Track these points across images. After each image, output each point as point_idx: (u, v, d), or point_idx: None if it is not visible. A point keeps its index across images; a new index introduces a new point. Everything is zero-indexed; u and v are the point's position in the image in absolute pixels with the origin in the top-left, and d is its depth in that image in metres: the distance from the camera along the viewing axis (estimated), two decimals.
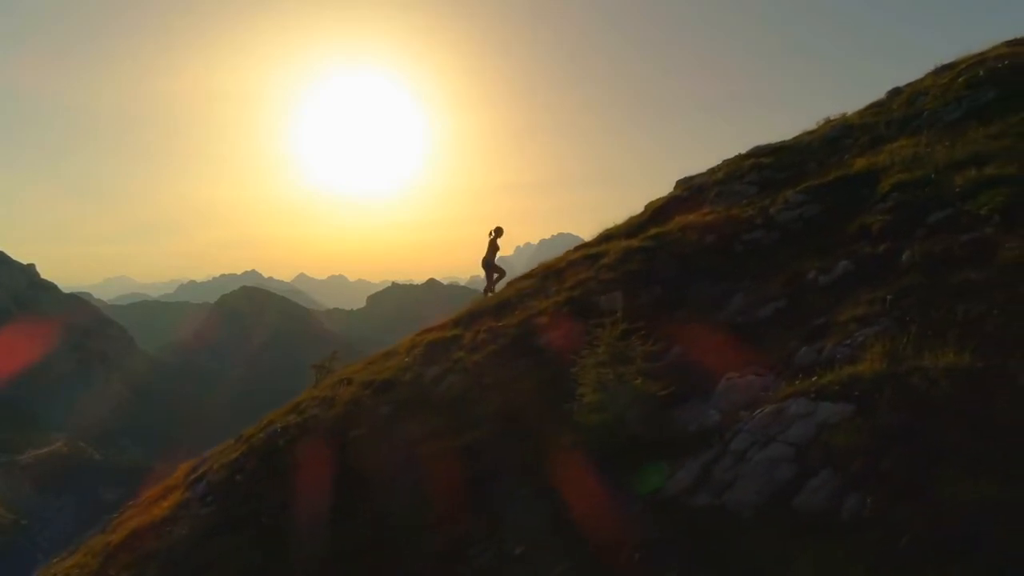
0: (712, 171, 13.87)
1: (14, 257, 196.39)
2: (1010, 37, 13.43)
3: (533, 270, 13.05)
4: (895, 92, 13.51)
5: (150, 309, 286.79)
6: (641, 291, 9.47)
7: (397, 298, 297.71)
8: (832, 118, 14.67)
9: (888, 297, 6.30)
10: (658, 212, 13.15)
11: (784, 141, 13.95)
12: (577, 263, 11.60)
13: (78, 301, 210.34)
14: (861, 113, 13.34)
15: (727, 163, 13.89)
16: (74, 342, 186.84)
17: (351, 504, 7.49)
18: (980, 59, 12.53)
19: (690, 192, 13.24)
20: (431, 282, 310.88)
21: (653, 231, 11.33)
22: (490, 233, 15.36)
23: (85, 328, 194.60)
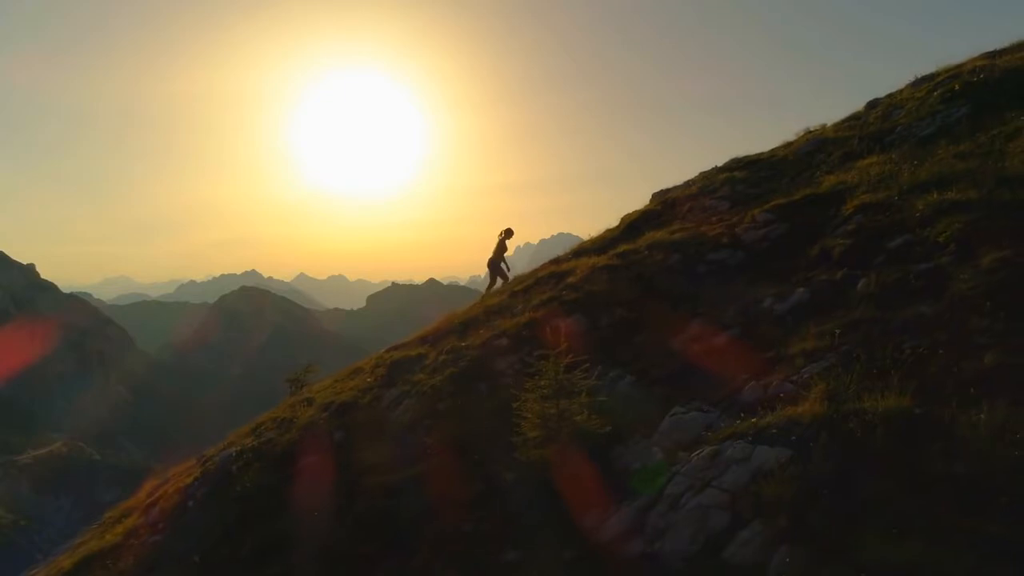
0: (687, 184, 13.70)
1: (13, 257, 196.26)
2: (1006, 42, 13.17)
3: (503, 285, 12.87)
4: (872, 104, 13.32)
5: (149, 309, 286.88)
6: (602, 314, 9.29)
7: (397, 298, 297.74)
8: (812, 129, 14.49)
9: (837, 331, 6.11)
10: (632, 226, 12.97)
11: (760, 154, 13.78)
12: (545, 280, 11.42)
13: (77, 301, 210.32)
14: (837, 126, 13.14)
15: (703, 176, 13.72)
16: (73, 342, 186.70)
17: (297, 536, 7.31)
18: (957, 71, 12.35)
19: (664, 206, 13.05)
20: (431, 282, 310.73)
21: (622, 247, 11.16)
22: (500, 234, 15.26)
23: (84, 328, 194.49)
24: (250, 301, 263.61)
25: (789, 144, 13.72)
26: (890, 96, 13.53)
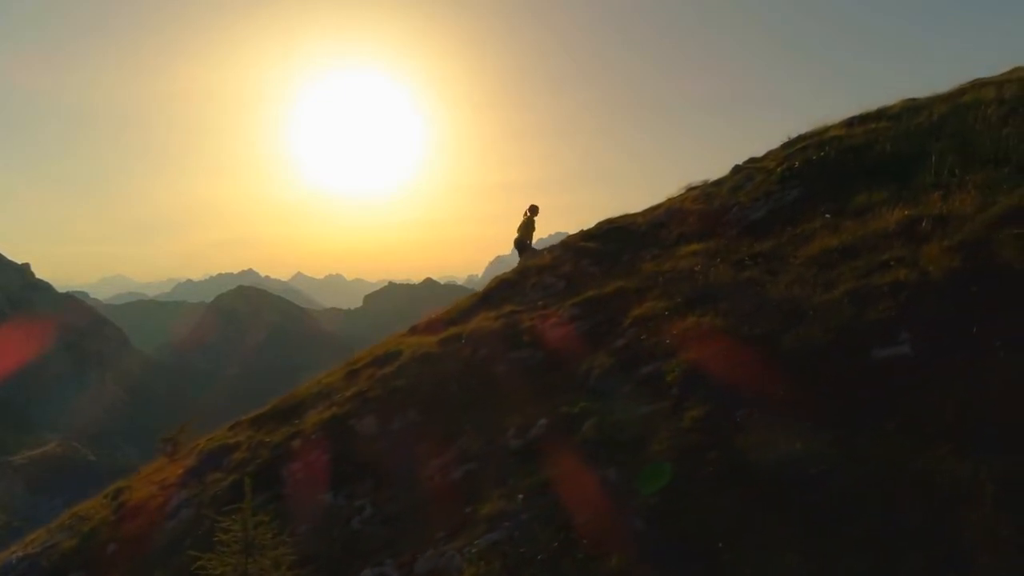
0: (548, 250, 13.40)
1: (9, 257, 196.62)
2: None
3: (354, 359, 12.53)
4: (736, 170, 12.98)
5: (146, 308, 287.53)
6: (396, 415, 9.01)
7: (394, 297, 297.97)
8: (695, 185, 14.15)
9: (520, 496, 5.82)
10: (487, 295, 12.70)
11: (626, 216, 13.50)
12: (376, 361, 11.13)
13: (73, 301, 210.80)
14: (699, 193, 12.80)
15: (564, 242, 13.42)
16: (69, 342, 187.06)
17: None
18: (815, 138, 11.99)
19: (521, 274, 12.76)
20: (428, 281, 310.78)
21: (452, 330, 10.87)
22: (525, 213, 15.05)
23: (80, 328, 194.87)
24: (247, 300, 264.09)
25: (656, 207, 13.42)
26: (763, 158, 13.20)
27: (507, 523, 5.65)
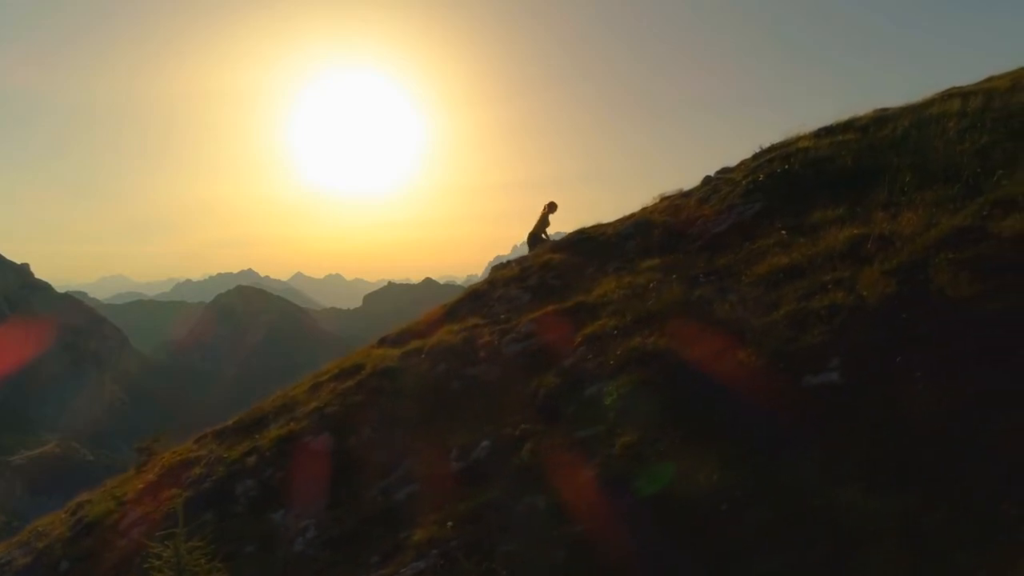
0: (518, 261, 13.37)
1: (8, 256, 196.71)
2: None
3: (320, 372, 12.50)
4: (706, 180, 12.95)
5: (145, 308, 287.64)
6: (352, 433, 8.99)
7: (393, 297, 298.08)
8: (668, 195, 14.12)
9: (450, 523, 5.79)
10: (454, 307, 12.66)
11: (595, 227, 13.45)
12: (343, 375, 11.10)
13: (71, 301, 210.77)
14: (669, 203, 12.77)
15: (542, 248, 13.39)
16: (67, 342, 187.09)
17: None
18: (784, 150, 11.95)
19: (490, 285, 12.73)
20: (427, 281, 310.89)
21: (414, 344, 10.84)
22: (544, 207, 15.46)
23: (78, 328, 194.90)
24: (246, 300, 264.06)
25: (628, 217, 13.38)
26: (733, 169, 13.17)
27: (435, 551, 5.63)
